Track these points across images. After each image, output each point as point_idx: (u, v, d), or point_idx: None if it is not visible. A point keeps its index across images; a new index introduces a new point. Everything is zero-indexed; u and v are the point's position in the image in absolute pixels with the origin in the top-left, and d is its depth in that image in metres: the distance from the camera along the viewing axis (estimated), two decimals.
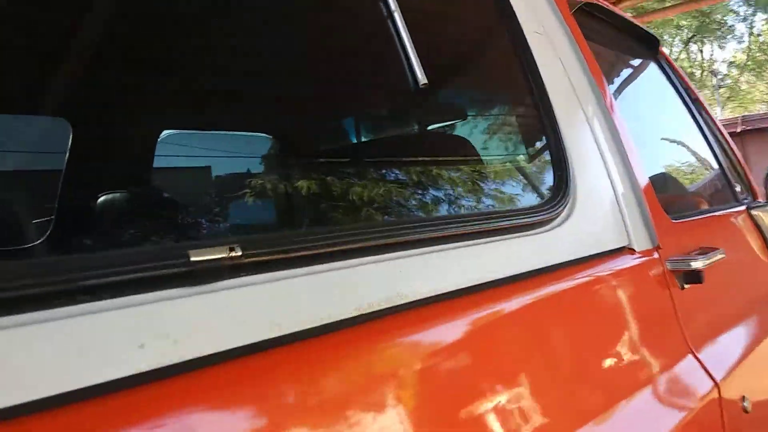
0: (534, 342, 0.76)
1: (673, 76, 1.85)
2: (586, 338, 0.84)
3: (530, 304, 0.78)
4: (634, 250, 1.02)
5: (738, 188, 1.83)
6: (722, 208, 1.62)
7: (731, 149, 1.91)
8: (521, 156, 1.06)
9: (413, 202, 0.82)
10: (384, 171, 0.83)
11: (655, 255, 1.07)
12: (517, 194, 0.96)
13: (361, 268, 0.60)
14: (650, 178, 1.60)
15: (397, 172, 0.82)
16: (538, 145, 1.03)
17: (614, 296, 0.94)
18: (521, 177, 0.99)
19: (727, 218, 1.58)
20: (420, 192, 0.82)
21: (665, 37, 20.35)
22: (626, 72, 1.74)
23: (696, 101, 1.84)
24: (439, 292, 0.65)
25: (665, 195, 1.69)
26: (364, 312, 0.57)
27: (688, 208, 1.55)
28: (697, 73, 22.55)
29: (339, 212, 0.74)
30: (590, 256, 0.91)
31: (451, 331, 0.66)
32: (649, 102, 1.84)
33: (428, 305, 0.64)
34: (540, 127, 0.98)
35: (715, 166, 1.83)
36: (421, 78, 0.75)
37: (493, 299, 0.73)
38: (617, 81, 1.65)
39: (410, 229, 0.67)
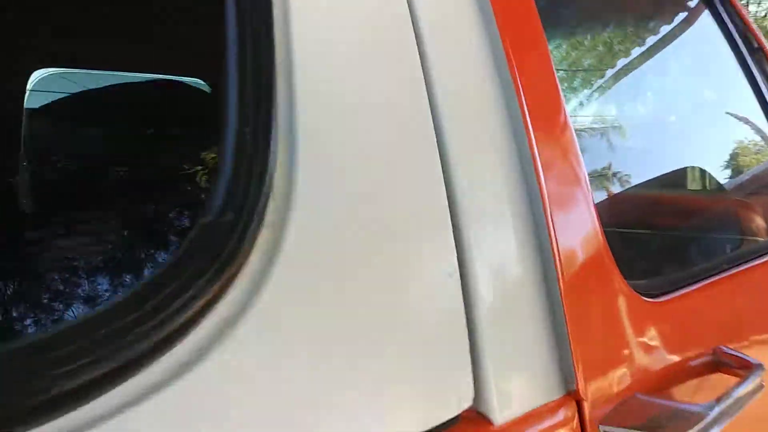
0: None
1: (724, 12, 1.14)
2: None
3: None
4: (489, 424, 0.40)
5: None
6: None
7: None
8: None
9: None
10: None
11: (560, 417, 0.44)
12: None
13: None
14: (646, 186, 0.91)
15: None
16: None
17: None
18: None
19: None
20: None
21: None
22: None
23: (758, 51, 1.13)
24: None
25: (678, 208, 0.99)
26: None
27: (711, 251, 0.87)
28: None
29: None
30: None
31: None
32: (680, 51, 1.15)
33: None
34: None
35: None
36: None
37: None
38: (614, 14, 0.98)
39: None
